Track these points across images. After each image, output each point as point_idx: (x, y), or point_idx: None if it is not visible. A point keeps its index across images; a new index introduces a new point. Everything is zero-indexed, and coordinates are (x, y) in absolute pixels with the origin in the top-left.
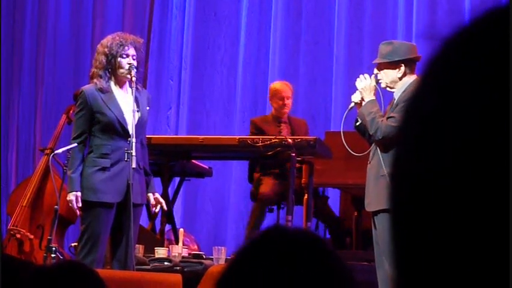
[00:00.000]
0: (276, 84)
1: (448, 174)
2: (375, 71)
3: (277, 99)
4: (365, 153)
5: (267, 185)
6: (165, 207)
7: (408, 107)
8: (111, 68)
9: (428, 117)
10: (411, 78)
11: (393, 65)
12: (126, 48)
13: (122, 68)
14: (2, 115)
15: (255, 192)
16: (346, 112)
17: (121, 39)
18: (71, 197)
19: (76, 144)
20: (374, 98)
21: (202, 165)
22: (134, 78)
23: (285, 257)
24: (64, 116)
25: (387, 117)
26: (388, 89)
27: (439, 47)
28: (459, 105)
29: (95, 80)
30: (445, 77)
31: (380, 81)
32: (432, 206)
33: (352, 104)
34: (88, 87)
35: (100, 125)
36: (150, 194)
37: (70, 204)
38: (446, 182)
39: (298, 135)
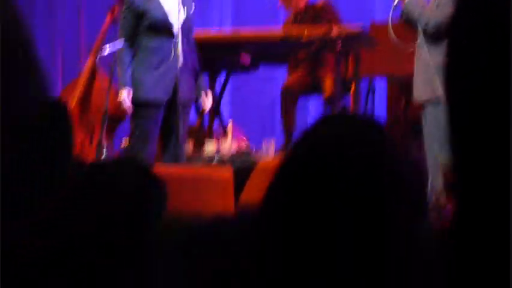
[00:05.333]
0: None
1: None
2: None
3: None
4: (412, 48)
5: (292, 78)
6: (208, 105)
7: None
8: None
9: None
10: None
11: None
12: None
13: None
14: (45, 17)
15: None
16: (392, 9)
17: None
18: (124, 93)
19: (122, 44)
20: None
21: (247, 59)
22: None
23: (347, 141)
24: (109, 15)
25: (436, 9)
26: None
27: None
28: None
29: None
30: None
31: None
32: None
33: (396, 1)
34: None
35: (146, 25)
36: (203, 92)
37: (122, 101)
38: None
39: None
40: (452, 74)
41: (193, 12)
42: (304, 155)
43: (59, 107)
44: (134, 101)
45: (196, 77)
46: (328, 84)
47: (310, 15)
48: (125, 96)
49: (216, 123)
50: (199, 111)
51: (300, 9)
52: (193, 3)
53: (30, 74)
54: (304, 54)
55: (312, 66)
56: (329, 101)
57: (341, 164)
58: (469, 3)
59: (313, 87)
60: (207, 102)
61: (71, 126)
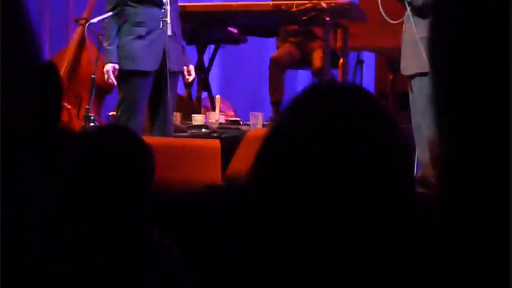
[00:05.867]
0: None
1: None
2: None
3: None
4: (401, 20)
5: (281, 50)
6: (191, 78)
7: None
8: None
9: None
10: None
11: None
12: None
13: None
14: None
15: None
16: None
17: None
18: (108, 67)
19: (111, 13)
20: None
21: (235, 31)
22: None
23: (336, 109)
24: None
25: None
26: None
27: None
28: None
29: None
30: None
31: None
32: None
33: None
34: None
35: None
36: (184, 67)
37: (106, 75)
38: None
39: None
40: (437, 48)
41: None
42: (292, 123)
43: (50, 69)
44: (123, 71)
45: (182, 48)
46: (316, 57)
47: None
48: (110, 71)
49: (204, 95)
50: (187, 82)
51: None
52: None
53: (23, 39)
54: (293, 27)
55: (300, 39)
56: (317, 74)
57: (329, 132)
58: None
59: (301, 59)
60: (189, 75)
61: (61, 89)
